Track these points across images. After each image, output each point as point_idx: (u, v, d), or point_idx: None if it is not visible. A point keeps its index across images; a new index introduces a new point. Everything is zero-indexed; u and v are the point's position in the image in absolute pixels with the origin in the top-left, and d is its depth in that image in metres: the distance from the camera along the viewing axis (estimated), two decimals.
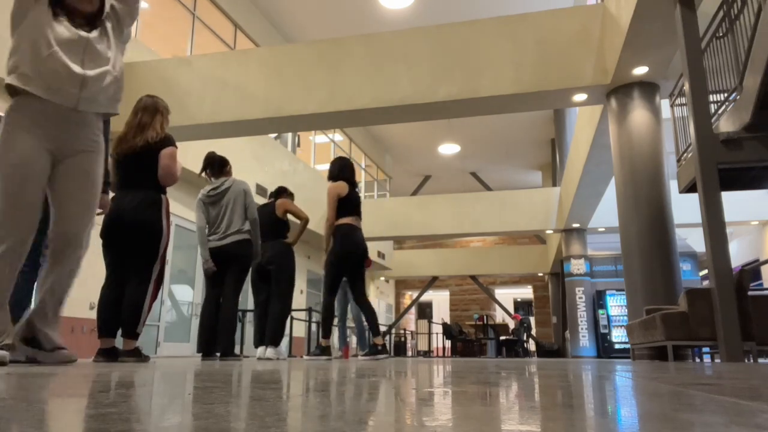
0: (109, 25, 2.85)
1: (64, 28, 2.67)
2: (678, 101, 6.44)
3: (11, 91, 2.62)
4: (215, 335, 4.73)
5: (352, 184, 5.40)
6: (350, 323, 8.45)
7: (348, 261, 5.19)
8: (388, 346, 19.22)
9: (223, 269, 4.84)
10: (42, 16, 2.64)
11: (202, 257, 4.91)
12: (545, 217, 14.47)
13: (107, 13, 2.86)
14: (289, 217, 5.58)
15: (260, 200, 6.83)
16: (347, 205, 5.20)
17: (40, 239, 3.13)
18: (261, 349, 5.29)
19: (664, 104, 7.30)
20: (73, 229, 2.73)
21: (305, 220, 5.56)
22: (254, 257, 4.92)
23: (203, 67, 8.74)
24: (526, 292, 24.10)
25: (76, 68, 2.63)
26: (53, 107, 2.62)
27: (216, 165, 5.09)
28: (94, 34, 2.76)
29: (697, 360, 6.72)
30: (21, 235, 2.54)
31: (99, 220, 3.83)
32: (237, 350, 5.20)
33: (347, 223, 5.13)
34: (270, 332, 5.23)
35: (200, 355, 4.81)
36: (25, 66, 2.58)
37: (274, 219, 5.49)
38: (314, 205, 12.39)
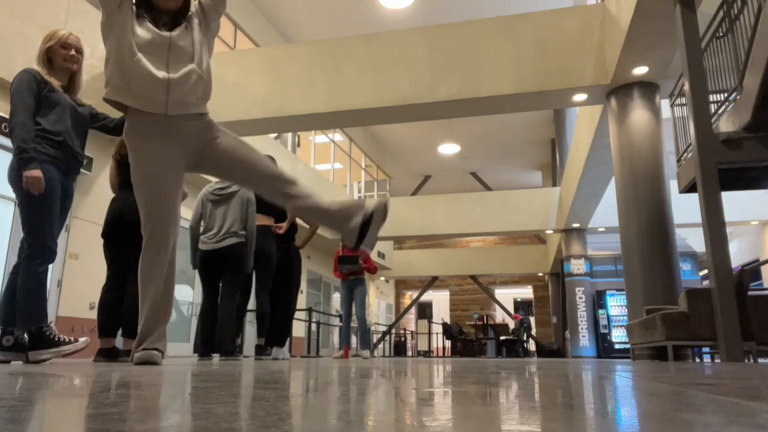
0: (195, 21, 2.76)
1: (145, 31, 2.61)
2: (678, 101, 6.44)
3: (117, 106, 2.63)
4: (212, 336, 4.71)
5: None
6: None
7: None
8: (388, 346, 19.23)
9: (219, 271, 4.78)
10: (125, 22, 2.59)
11: (191, 258, 4.86)
12: (545, 217, 14.48)
13: (195, 8, 2.78)
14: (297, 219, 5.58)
15: None
16: (258, 204, 5.13)
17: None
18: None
19: (664, 104, 7.31)
20: (269, 167, 2.70)
21: (314, 227, 5.60)
22: (247, 268, 4.77)
23: None
24: (526, 292, 24.10)
25: (160, 73, 2.58)
26: (150, 116, 2.61)
27: None
28: (177, 32, 2.68)
29: (697, 360, 6.72)
30: (164, 233, 2.67)
31: (100, 220, 3.84)
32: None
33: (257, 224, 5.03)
34: (277, 333, 5.27)
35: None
36: (115, 78, 2.57)
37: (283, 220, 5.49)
38: None
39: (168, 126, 2.65)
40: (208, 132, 2.73)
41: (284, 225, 5.20)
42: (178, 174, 2.71)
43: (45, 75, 3.22)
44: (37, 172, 3.00)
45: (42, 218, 3.09)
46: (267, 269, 5.11)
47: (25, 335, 3.06)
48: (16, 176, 3.08)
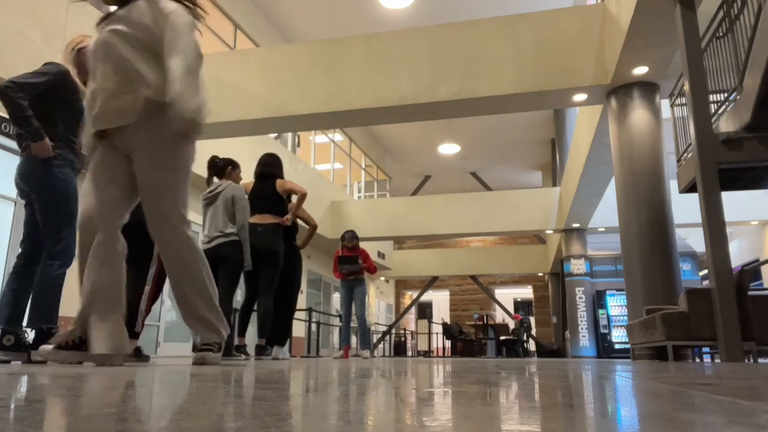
0: (133, 11, 2.57)
1: None
2: (678, 101, 6.44)
3: None
4: None
5: (260, 178, 5.41)
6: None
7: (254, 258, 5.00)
8: (388, 346, 19.23)
9: (214, 271, 4.75)
10: None
11: None
12: (545, 217, 14.48)
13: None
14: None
15: None
16: (264, 203, 5.17)
17: (39, 239, 3.15)
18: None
19: (664, 104, 7.30)
20: (150, 224, 2.67)
21: (314, 227, 5.61)
22: (246, 265, 4.71)
23: (203, 66, 8.75)
24: (526, 292, 24.10)
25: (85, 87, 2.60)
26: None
27: (218, 169, 5.06)
28: (111, 27, 2.56)
29: (697, 360, 6.72)
30: (107, 230, 2.57)
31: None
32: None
33: (250, 223, 5.01)
34: (277, 332, 5.26)
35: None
36: None
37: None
38: (315, 205, 12.38)
39: (114, 138, 2.58)
40: (139, 147, 2.56)
41: (289, 216, 5.19)
42: (119, 173, 2.63)
43: (75, 76, 3.30)
44: (48, 141, 3.07)
45: (66, 221, 3.16)
46: (273, 269, 5.07)
47: (31, 333, 3.07)
48: (41, 181, 3.11)
